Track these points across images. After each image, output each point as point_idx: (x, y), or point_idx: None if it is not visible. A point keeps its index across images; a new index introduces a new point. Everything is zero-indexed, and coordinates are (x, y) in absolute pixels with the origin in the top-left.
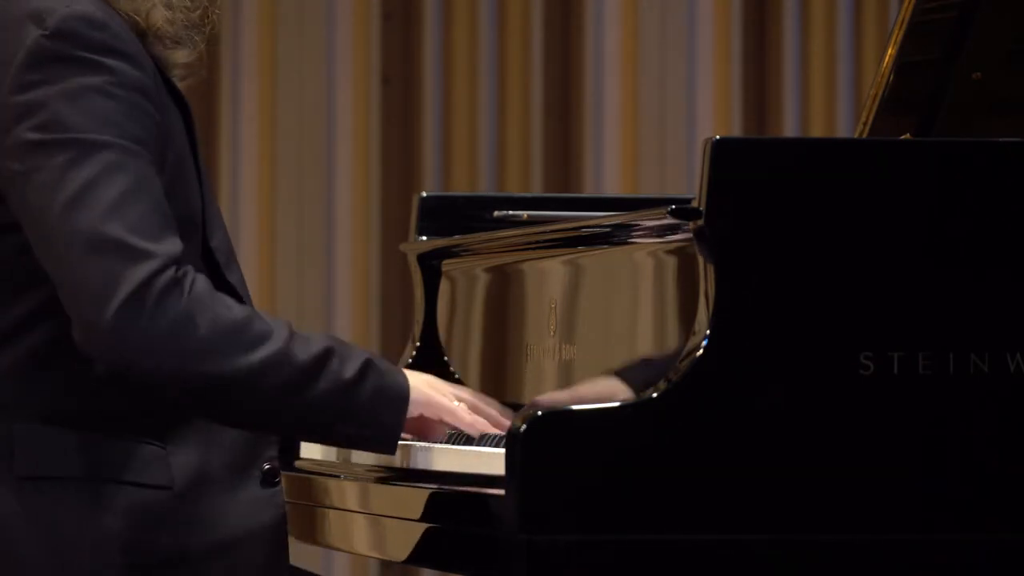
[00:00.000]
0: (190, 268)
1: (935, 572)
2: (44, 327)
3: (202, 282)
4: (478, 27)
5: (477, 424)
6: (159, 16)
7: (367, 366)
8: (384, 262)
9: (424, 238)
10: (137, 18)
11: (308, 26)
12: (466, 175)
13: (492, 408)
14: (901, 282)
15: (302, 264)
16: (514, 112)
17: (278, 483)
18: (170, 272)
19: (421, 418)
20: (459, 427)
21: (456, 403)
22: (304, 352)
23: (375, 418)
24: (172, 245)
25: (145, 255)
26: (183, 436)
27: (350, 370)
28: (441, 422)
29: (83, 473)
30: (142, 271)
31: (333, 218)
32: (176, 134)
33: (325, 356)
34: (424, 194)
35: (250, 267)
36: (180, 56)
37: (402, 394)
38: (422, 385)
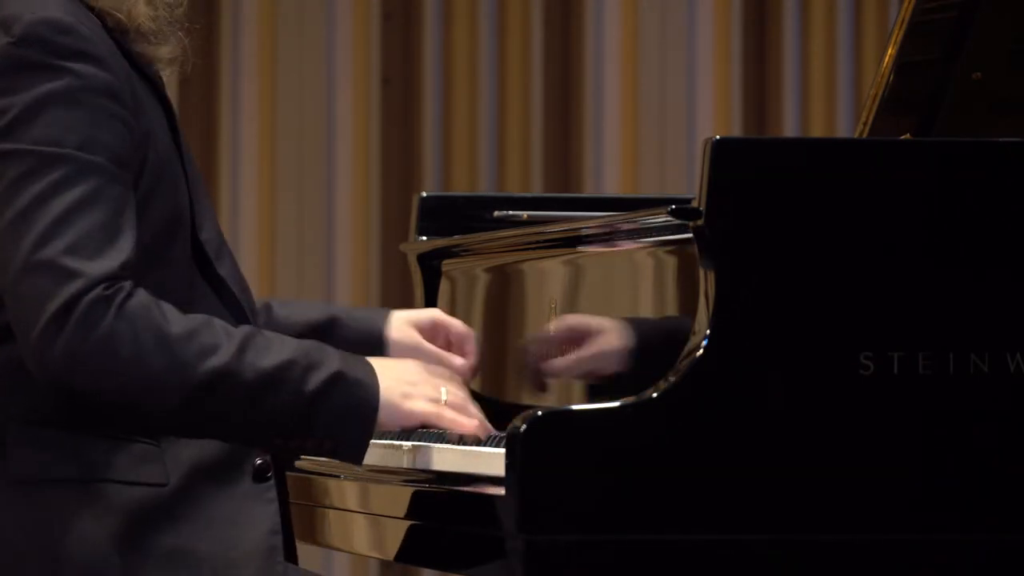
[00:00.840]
0: (125, 284)
1: (935, 572)
2: None
3: (139, 298)
4: (478, 27)
5: (457, 423)
6: (141, 12)
7: (335, 378)
8: (384, 262)
9: (424, 238)
10: (119, 15)
11: (308, 26)
12: (466, 175)
13: (473, 410)
14: (901, 282)
15: (302, 264)
16: (514, 112)
17: (270, 478)
18: (97, 291)
19: (394, 423)
20: (441, 427)
21: (431, 406)
22: (254, 366)
23: (338, 433)
24: (110, 262)
25: (74, 275)
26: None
27: (313, 382)
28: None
29: (77, 474)
30: (68, 291)
31: (333, 218)
32: (158, 132)
33: (282, 368)
34: (424, 194)
35: (250, 267)
36: (164, 52)
37: (369, 408)
38: (396, 398)
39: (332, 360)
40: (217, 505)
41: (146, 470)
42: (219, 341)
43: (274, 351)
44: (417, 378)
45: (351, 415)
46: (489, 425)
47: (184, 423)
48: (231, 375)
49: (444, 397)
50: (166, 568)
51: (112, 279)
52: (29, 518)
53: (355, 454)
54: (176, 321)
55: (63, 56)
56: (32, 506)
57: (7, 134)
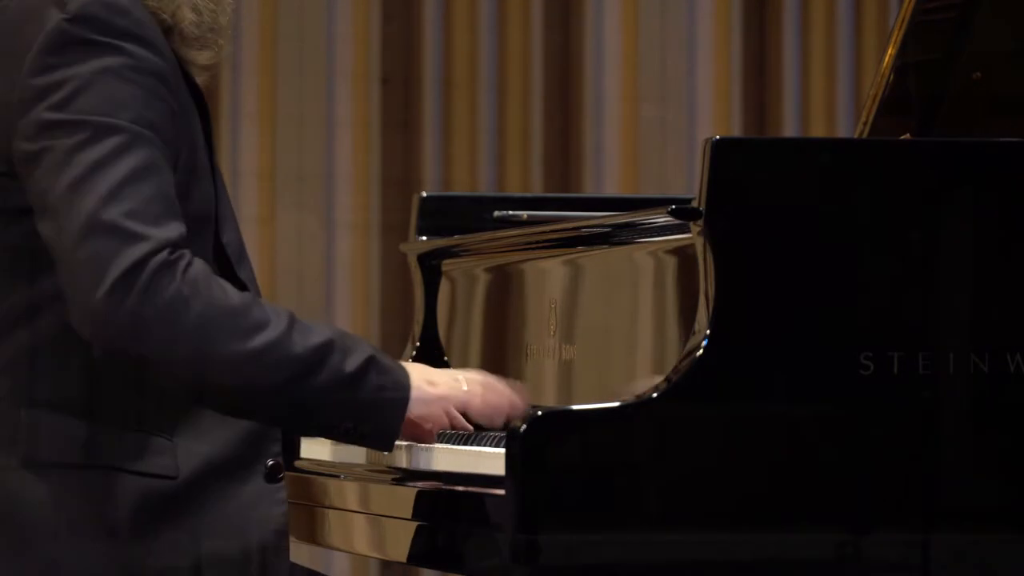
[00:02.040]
0: (187, 252)
1: (933, 570)
2: (55, 312)
3: (199, 266)
4: (478, 27)
5: (485, 413)
6: (185, 17)
7: (369, 361)
8: (384, 262)
9: (424, 238)
10: (164, 15)
11: (309, 25)
12: (466, 175)
13: (502, 394)
14: (901, 282)
15: (302, 264)
16: (514, 112)
17: (281, 479)
18: (163, 255)
19: (418, 420)
20: (472, 415)
21: (458, 391)
22: (303, 343)
23: (374, 415)
24: (170, 230)
25: (139, 238)
26: (189, 429)
27: (351, 364)
28: (448, 415)
29: (87, 461)
30: (134, 253)
31: (333, 218)
32: (193, 129)
33: (326, 348)
34: (424, 194)
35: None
36: (203, 58)
37: (403, 393)
38: (424, 384)
39: (364, 345)
40: (227, 502)
41: (157, 461)
42: (269, 316)
43: (315, 332)
44: (438, 374)
45: (387, 399)
46: (521, 402)
47: (237, 397)
48: (279, 352)
49: (465, 386)
50: (170, 559)
51: (175, 246)
52: (41, 502)
53: (387, 438)
54: (232, 292)
55: (118, 36)
56: (44, 490)
57: (62, 106)
